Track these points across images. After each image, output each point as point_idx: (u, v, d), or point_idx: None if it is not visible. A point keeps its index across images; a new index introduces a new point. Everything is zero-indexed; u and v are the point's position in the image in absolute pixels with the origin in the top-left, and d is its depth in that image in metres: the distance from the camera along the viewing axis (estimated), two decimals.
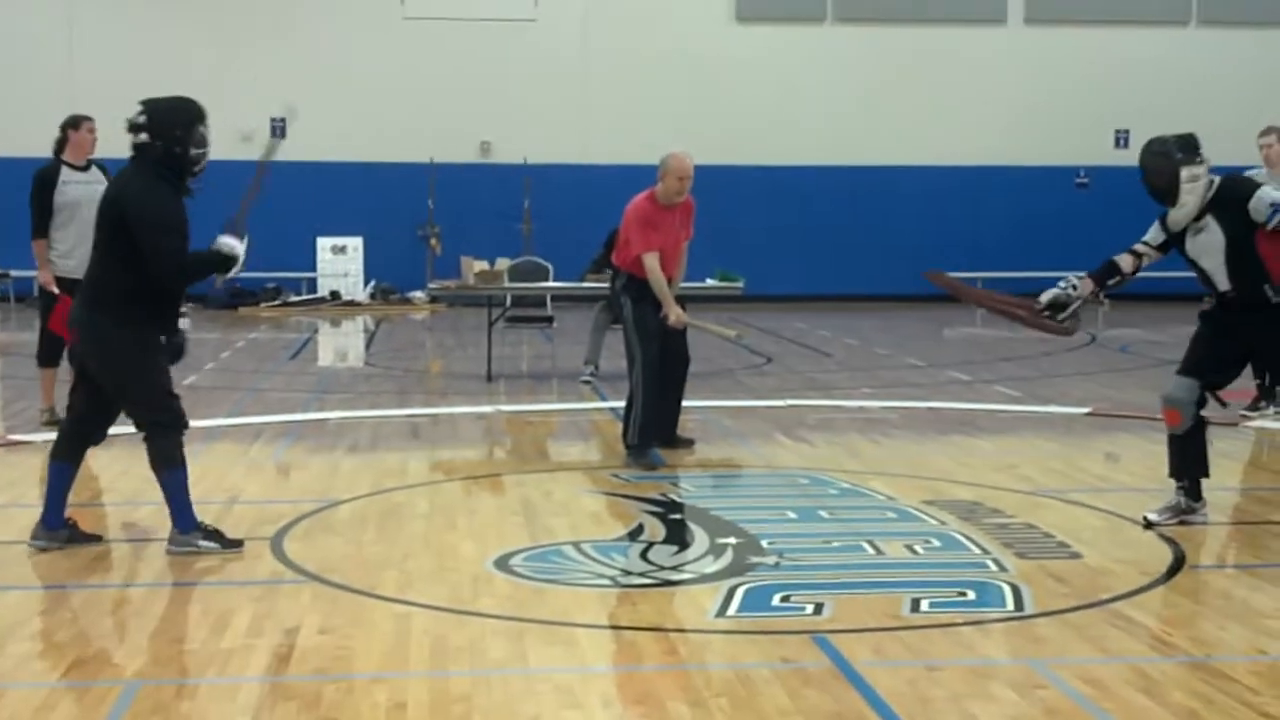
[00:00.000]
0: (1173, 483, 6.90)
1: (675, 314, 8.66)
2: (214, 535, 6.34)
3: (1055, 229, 23.22)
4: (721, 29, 23.66)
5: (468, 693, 4.53)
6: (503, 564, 6.14)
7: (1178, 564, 6.15)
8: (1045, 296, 6.99)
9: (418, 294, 22.47)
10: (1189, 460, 6.83)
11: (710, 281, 12.64)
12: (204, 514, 6.45)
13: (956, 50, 23.89)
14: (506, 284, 13.25)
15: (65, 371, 9.72)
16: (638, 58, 23.27)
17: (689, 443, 9.13)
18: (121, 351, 6.14)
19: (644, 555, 6.36)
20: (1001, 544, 6.47)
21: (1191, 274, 6.91)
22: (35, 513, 6.49)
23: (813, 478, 8.24)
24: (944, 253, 22.28)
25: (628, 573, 6.08)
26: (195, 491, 6.39)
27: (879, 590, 5.75)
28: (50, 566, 6.14)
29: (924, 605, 5.52)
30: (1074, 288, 6.95)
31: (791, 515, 7.25)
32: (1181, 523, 6.77)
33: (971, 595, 5.69)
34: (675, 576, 6.01)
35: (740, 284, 12.70)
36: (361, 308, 22.13)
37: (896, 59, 23.77)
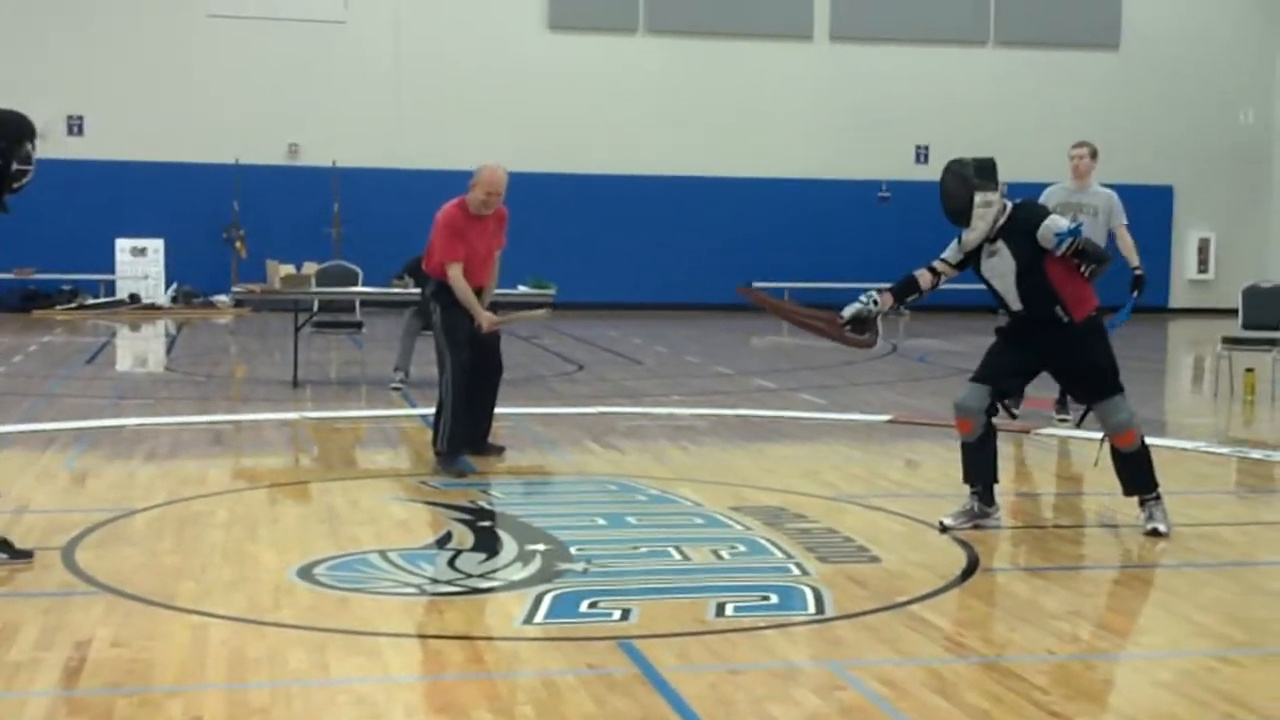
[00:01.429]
0: (967, 488, 7.11)
1: (485, 319, 8.62)
2: (2, 545, 6.10)
3: (857, 241, 23.78)
4: (534, 37, 23.70)
5: (266, 705, 4.44)
6: (306, 573, 6.02)
7: (971, 567, 6.34)
8: (848, 311, 7.12)
9: (222, 298, 21.98)
10: (981, 466, 7.05)
11: (522, 289, 12.62)
12: None
13: (764, 64, 24.32)
14: (314, 288, 13.04)
15: None
16: (450, 63, 23.16)
17: (499, 449, 9.10)
18: None
19: (451, 563, 6.31)
20: (804, 548, 6.58)
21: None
22: None
23: (621, 484, 8.28)
24: (750, 263, 22.64)
25: (435, 581, 6.03)
26: None
27: (685, 595, 5.80)
28: None
29: (729, 609, 5.58)
30: (875, 303, 7.10)
31: (600, 521, 7.28)
32: (976, 526, 6.98)
33: (774, 599, 5.78)
34: (483, 584, 5.98)
35: (552, 291, 12.71)
36: (162, 311, 21.56)
37: (706, 71, 24.09)
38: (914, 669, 4.87)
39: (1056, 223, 6.80)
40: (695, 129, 23.99)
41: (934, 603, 5.76)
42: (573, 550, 6.49)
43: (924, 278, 7.14)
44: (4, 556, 6.05)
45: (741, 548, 6.67)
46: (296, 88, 22.72)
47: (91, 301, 21.68)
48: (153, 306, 21.68)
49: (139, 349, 17.73)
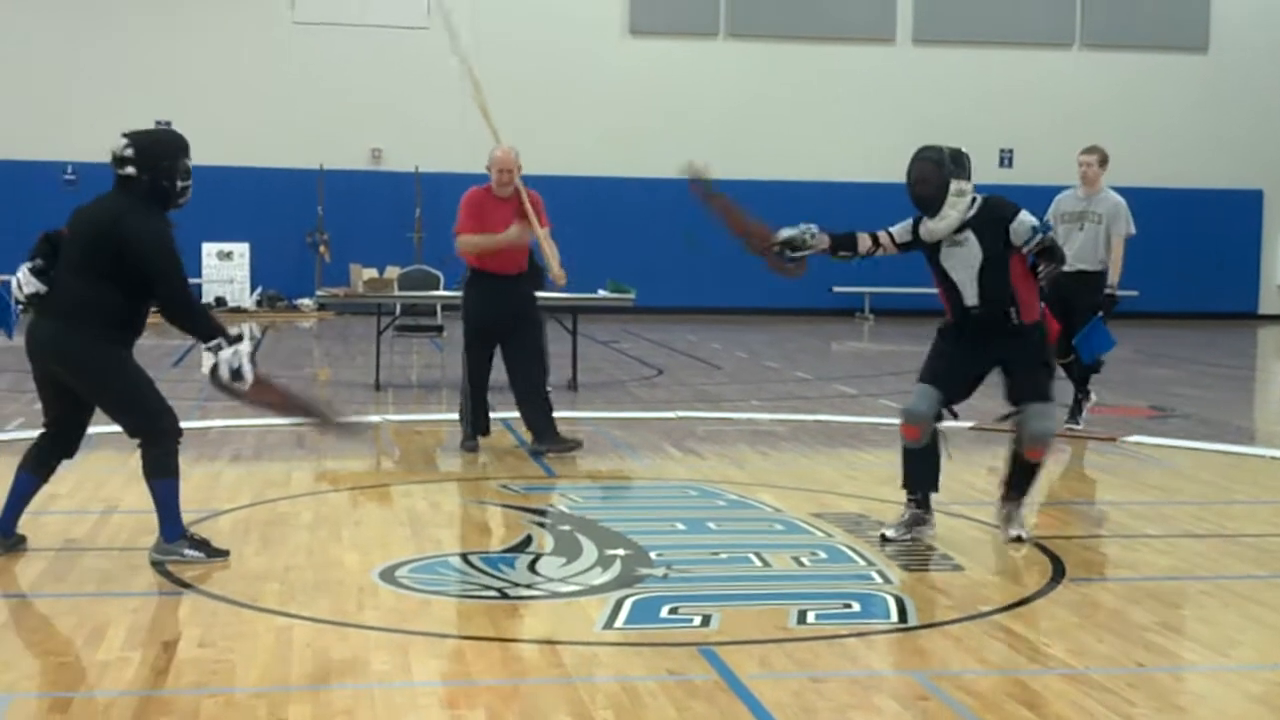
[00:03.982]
0: (1051, 494, 7.00)
1: (517, 229, 9.04)
2: (200, 544, 6.25)
3: None
4: (614, 41, 23.73)
5: (350, 706, 4.47)
6: (388, 576, 6.07)
7: (1057, 577, 6.26)
8: (784, 233, 6.77)
9: (306, 301, 22.23)
10: (926, 473, 6.87)
11: (602, 292, 12.65)
12: (81, 523, 6.31)
13: (846, 68, 24.19)
14: (396, 292, 13.14)
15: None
16: (531, 68, 23.23)
17: (577, 444, 9.14)
18: (109, 367, 6.13)
19: (532, 567, 6.33)
20: (886, 556, 6.53)
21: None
22: None
23: (701, 489, 8.26)
24: (830, 267, 22.44)
25: (515, 584, 6.04)
26: (72, 501, 6.26)
27: (766, 602, 5.77)
28: None
29: (810, 617, 5.55)
30: (813, 236, 6.78)
31: (680, 527, 7.27)
32: (914, 538, 6.78)
33: (856, 607, 5.74)
34: (563, 588, 5.99)
35: (632, 295, 12.73)
36: (248, 315, 21.83)
37: (787, 75, 24.00)
38: (999, 679, 4.82)
39: (1030, 218, 6.65)
40: (775, 133, 23.90)
41: (1019, 612, 5.69)
42: (653, 555, 6.49)
43: (863, 241, 6.87)
44: (201, 555, 6.21)
45: (822, 555, 6.63)
46: (380, 94, 22.92)
47: None
48: (238, 310, 21.98)
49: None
